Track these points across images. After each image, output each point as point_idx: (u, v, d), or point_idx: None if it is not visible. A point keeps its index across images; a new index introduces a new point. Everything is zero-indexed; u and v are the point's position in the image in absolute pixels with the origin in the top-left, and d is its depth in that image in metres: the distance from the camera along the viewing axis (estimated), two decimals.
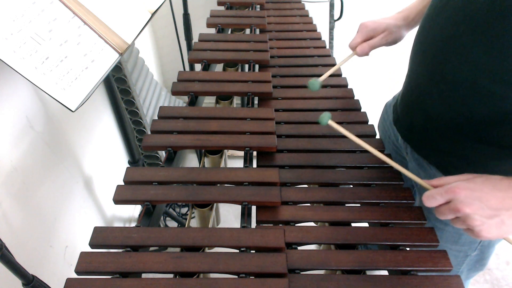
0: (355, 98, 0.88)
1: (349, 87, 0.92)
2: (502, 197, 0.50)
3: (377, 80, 2.04)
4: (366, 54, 0.84)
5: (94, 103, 1.23)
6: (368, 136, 0.79)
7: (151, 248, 0.59)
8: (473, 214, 0.49)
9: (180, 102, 1.88)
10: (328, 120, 0.65)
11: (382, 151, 0.75)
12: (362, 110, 0.85)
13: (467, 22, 0.56)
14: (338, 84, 0.93)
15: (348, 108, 0.85)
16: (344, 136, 0.79)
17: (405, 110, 0.77)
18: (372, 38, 0.82)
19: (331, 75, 0.95)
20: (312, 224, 0.64)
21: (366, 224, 0.63)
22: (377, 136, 0.80)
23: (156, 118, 0.79)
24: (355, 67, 1.39)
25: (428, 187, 0.57)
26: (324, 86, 0.92)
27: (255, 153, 0.75)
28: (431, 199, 0.53)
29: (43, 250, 0.97)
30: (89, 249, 0.56)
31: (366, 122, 0.82)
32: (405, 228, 0.60)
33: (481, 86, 0.57)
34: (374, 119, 0.88)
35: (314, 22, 1.21)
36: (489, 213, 0.49)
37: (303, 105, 0.86)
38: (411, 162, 0.80)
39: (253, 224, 0.62)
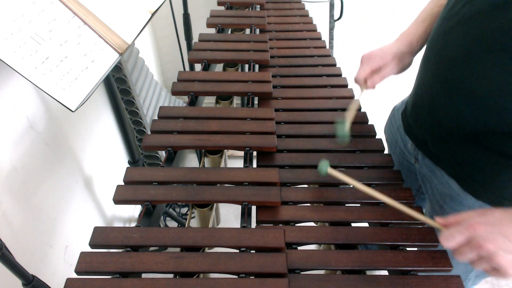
0: (355, 98, 0.88)
1: (349, 87, 0.92)
2: None
3: None
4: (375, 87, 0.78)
5: (94, 103, 1.23)
6: (368, 136, 0.79)
7: (151, 248, 0.59)
8: (497, 250, 0.46)
9: (180, 102, 1.88)
10: (327, 168, 0.62)
11: (382, 151, 0.76)
12: (362, 110, 0.85)
13: (486, 40, 0.55)
14: (338, 84, 0.93)
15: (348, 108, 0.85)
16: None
17: (418, 121, 0.75)
18: (381, 69, 0.76)
19: (330, 75, 0.96)
20: (312, 224, 0.64)
21: (366, 224, 0.63)
22: (380, 137, 0.79)
23: (156, 118, 0.79)
24: (355, 67, 1.39)
25: (443, 229, 0.54)
26: (324, 86, 0.92)
27: (255, 153, 0.75)
28: (450, 238, 0.50)
29: (43, 250, 0.97)
30: (89, 249, 0.56)
31: (366, 122, 0.82)
32: (405, 228, 0.60)
33: (498, 103, 0.56)
34: (374, 119, 0.87)
35: (314, 22, 1.21)
36: None
37: (303, 105, 0.86)
38: (422, 168, 0.79)
39: (253, 224, 0.62)
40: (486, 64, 0.56)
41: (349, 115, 0.74)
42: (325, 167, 0.62)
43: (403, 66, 0.77)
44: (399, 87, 0.83)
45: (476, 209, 0.52)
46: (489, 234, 0.47)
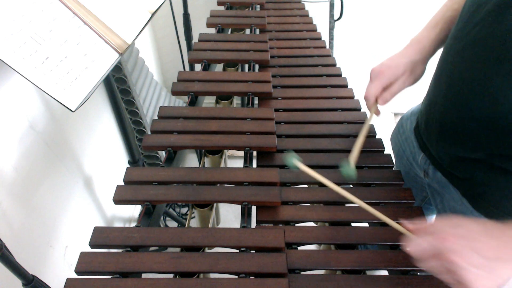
0: (355, 98, 0.88)
1: (349, 87, 0.92)
2: (497, 246, 0.44)
3: None
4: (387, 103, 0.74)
5: (94, 103, 1.23)
6: (368, 136, 0.79)
7: (151, 248, 0.60)
8: (464, 264, 0.43)
9: (180, 102, 1.88)
10: (293, 160, 0.56)
11: (382, 151, 0.76)
12: (362, 111, 0.85)
13: (504, 63, 0.53)
14: (338, 84, 0.93)
15: (348, 108, 0.85)
16: (344, 136, 0.78)
17: (431, 140, 0.73)
18: (392, 84, 0.71)
19: (330, 75, 0.96)
20: (312, 224, 0.64)
21: (366, 224, 0.63)
22: (380, 137, 0.79)
23: (156, 118, 0.79)
24: (355, 67, 1.39)
25: (410, 235, 0.51)
26: (324, 86, 0.93)
27: (255, 153, 0.75)
28: (416, 245, 0.47)
29: (43, 250, 0.97)
30: (89, 249, 0.56)
31: None
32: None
33: None
34: (373, 119, 0.87)
35: (314, 22, 1.21)
36: (484, 264, 0.43)
37: (303, 105, 0.86)
38: (432, 182, 0.77)
39: (253, 224, 0.62)
40: (504, 87, 0.54)
41: (357, 145, 0.68)
42: (292, 159, 0.56)
43: (416, 77, 0.72)
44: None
45: (452, 219, 0.48)
46: (458, 248, 0.44)
